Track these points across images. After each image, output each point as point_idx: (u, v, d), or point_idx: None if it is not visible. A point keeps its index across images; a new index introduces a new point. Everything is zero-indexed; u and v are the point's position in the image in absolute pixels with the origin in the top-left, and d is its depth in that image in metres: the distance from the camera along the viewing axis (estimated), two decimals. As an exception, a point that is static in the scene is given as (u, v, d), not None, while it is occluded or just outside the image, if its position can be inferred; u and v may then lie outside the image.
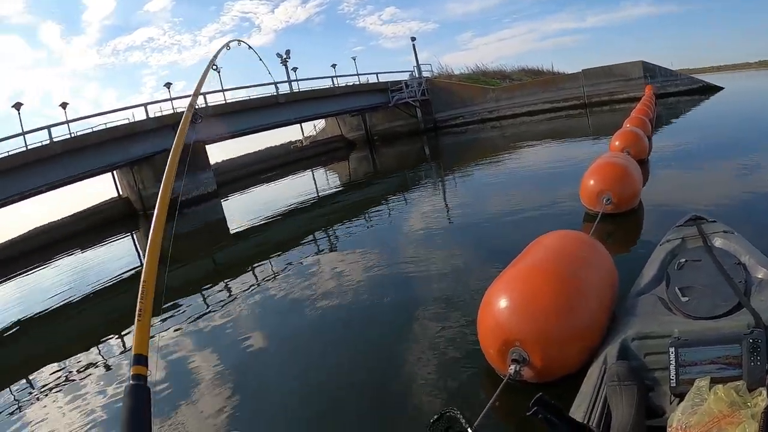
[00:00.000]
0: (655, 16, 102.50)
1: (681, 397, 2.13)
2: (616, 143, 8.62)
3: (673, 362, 2.24)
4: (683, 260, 3.31)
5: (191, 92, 3.32)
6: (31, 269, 16.57)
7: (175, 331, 6.04)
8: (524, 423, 2.78)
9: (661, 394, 2.34)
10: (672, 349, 2.26)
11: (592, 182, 6.18)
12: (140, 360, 0.82)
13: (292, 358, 4.71)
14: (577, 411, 2.30)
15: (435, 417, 1.94)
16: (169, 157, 1.09)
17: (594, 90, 27.75)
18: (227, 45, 4.34)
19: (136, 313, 0.85)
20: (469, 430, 1.80)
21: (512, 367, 2.84)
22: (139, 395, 0.80)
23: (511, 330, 2.91)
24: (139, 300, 0.89)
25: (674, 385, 2.23)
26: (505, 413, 2.93)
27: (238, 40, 4.56)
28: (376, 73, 36.57)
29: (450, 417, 1.91)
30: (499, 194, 9.79)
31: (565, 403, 2.27)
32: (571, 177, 8.75)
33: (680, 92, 26.38)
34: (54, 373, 5.86)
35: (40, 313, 9.39)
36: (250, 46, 4.59)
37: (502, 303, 3.03)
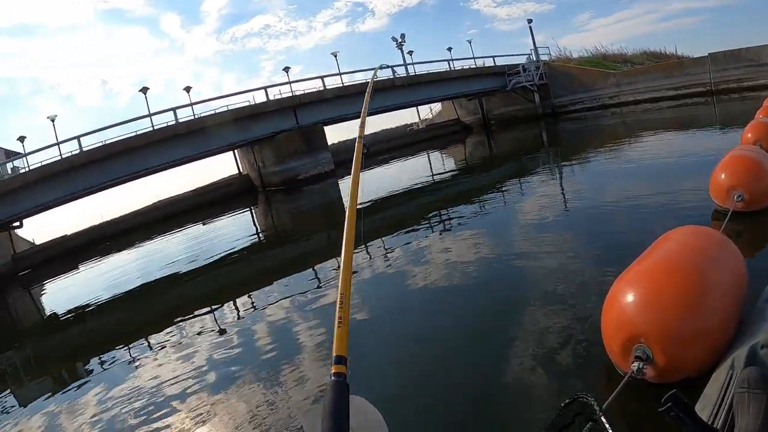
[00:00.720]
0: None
1: None
2: (749, 135, 8.11)
3: None
4: None
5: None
6: (153, 239, 17.90)
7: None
8: (643, 423, 2.81)
9: None
10: None
11: (722, 177, 5.86)
12: (340, 360, 1.00)
13: (400, 341, 4.87)
14: (701, 414, 2.21)
15: (567, 401, 2.00)
16: (352, 169, 1.21)
17: (721, 76, 25.79)
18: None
19: (336, 320, 1.04)
20: (602, 417, 1.86)
21: (635, 364, 2.77)
22: (341, 390, 0.98)
23: (637, 326, 2.84)
24: (337, 308, 1.08)
25: None
26: (623, 412, 2.86)
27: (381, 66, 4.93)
28: (493, 57, 36.10)
29: (582, 402, 1.97)
30: (618, 185, 9.45)
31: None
32: (696, 170, 8.36)
33: (819, 79, 24.03)
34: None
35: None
36: (392, 69, 4.99)
37: (629, 297, 2.97)
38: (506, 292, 5.48)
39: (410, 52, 33.70)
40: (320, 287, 7.24)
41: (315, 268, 8.44)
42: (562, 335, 4.03)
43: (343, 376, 0.97)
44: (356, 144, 2.30)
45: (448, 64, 34.07)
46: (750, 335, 2.68)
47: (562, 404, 2.04)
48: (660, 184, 8.41)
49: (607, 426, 1.83)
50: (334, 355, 0.99)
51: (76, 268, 16.85)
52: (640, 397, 2.89)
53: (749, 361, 2.47)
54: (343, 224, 1.97)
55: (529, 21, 36.74)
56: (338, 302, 1.10)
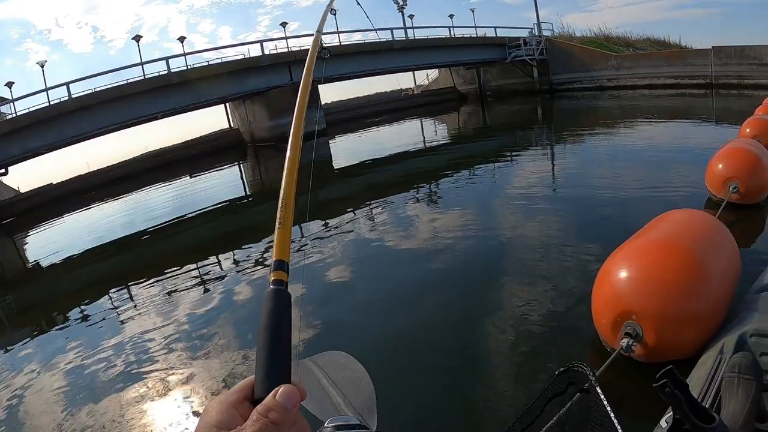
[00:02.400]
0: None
1: None
2: (747, 130, 8.11)
3: None
4: None
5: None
6: (141, 189, 17.75)
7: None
8: (628, 400, 2.80)
9: None
10: None
11: (720, 167, 5.85)
12: (281, 266, 0.88)
13: (380, 314, 4.80)
14: None
15: (562, 369, 1.97)
16: (300, 87, 1.15)
17: (723, 70, 25.70)
18: None
19: (277, 221, 0.94)
20: (597, 388, 1.83)
21: (624, 340, 2.79)
22: (281, 299, 0.87)
23: (629, 303, 2.84)
24: (279, 209, 0.97)
25: None
26: (609, 389, 2.90)
27: None
28: (495, 27, 35.61)
29: (577, 372, 1.94)
30: (610, 168, 9.41)
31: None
32: (688, 160, 8.34)
33: (820, 85, 24.02)
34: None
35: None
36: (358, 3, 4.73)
37: (623, 274, 2.95)
38: (490, 266, 5.44)
39: (411, 16, 33.22)
40: (304, 246, 7.15)
41: (301, 225, 8.37)
42: (547, 311, 4.03)
43: (284, 284, 0.88)
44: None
45: (449, 31, 33.67)
46: (739, 323, 2.68)
47: (557, 372, 2.01)
48: (652, 170, 8.40)
49: (602, 396, 1.80)
50: (274, 259, 0.88)
51: (61, 217, 16.67)
52: (626, 372, 2.90)
53: (738, 348, 2.48)
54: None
55: (535, -6, 36.38)
56: (280, 202, 0.99)
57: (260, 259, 6.99)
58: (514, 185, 9.06)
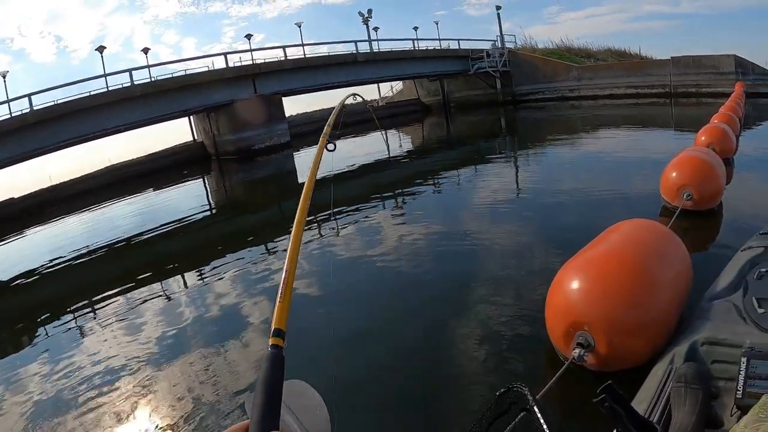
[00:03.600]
0: (755, 6, 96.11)
1: (743, 410, 2.03)
2: (702, 138, 8.32)
3: (742, 373, 2.14)
4: (764, 270, 3.13)
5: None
6: (105, 203, 17.42)
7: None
8: (581, 409, 2.81)
9: (722, 404, 2.28)
10: (744, 359, 2.16)
11: (673, 175, 5.97)
12: (279, 333, 0.99)
13: (342, 322, 4.77)
14: (638, 407, 2.24)
15: (502, 390, 1.98)
16: (310, 169, 1.28)
17: (681, 80, 26.42)
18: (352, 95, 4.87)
19: (278, 295, 1.05)
20: (535, 408, 1.83)
21: (576, 350, 2.82)
22: (277, 361, 0.96)
23: (581, 313, 2.88)
24: (281, 284, 1.09)
25: (740, 396, 2.13)
26: (563, 398, 2.92)
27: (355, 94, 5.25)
28: (458, 40, 36.04)
29: (517, 392, 1.95)
30: (571, 176, 9.57)
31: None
32: (647, 168, 8.47)
33: (774, 94, 24.74)
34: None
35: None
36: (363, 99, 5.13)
37: (574, 285, 2.99)
38: (452, 274, 5.49)
39: (376, 29, 33.37)
40: (269, 261, 7.08)
41: (265, 241, 8.29)
42: (506, 319, 4.06)
43: (280, 349, 0.99)
44: (319, 143, 2.24)
45: (413, 43, 33.96)
46: (691, 331, 2.72)
47: (497, 394, 2.01)
48: (611, 179, 8.57)
49: (539, 416, 1.80)
50: (273, 327, 0.98)
51: (22, 232, 16.30)
52: (582, 381, 2.92)
53: (688, 358, 2.53)
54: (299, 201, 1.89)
55: (498, 8, 36.85)
56: (283, 279, 1.10)
57: (220, 276, 6.87)
58: (478, 194, 9.16)
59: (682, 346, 2.61)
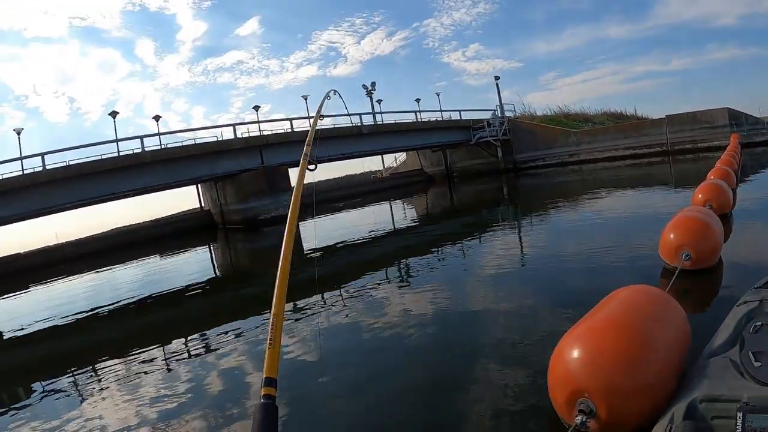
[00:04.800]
0: (741, 59, 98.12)
1: None
2: (699, 196, 8.48)
3: (739, 427, 2.20)
4: (759, 323, 3.17)
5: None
6: (110, 267, 17.50)
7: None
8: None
9: None
10: (740, 414, 2.22)
11: (671, 236, 6.09)
12: (271, 382, 1.00)
13: (348, 391, 4.79)
14: None
15: None
16: (290, 206, 1.26)
17: (677, 137, 26.89)
18: (327, 95, 4.87)
19: (267, 341, 1.06)
20: None
21: (578, 417, 2.86)
22: (270, 412, 0.98)
23: (580, 381, 2.94)
24: (270, 330, 1.09)
25: None
26: None
27: (334, 91, 5.20)
28: (459, 111, 36.94)
29: None
30: (574, 241, 9.63)
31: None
32: (649, 228, 8.55)
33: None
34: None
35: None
36: (341, 96, 5.06)
37: (574, 353, 3.08)
38: (458, 342, 5.47)
39: (379, 101, 34.34)
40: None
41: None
42: (512, 386, 4.08)
43: (272, 398, 0.97)
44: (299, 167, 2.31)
45: (416, 115, 34.74)
46: (690, 390, 2.75)
47: None
48: (614, 241, 8.64)
49: None
50: (264, 377, 0.99)
51: (26, 288, 16.38)
52: None
53: (688, 416, 2.55)
54: (285, 255, 1.96)
55: (497, 78, 38.06)
56: (271, 324, 1.12)
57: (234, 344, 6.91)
58: (482, 262, 9.23)
59: (681, 404, 2.64)
